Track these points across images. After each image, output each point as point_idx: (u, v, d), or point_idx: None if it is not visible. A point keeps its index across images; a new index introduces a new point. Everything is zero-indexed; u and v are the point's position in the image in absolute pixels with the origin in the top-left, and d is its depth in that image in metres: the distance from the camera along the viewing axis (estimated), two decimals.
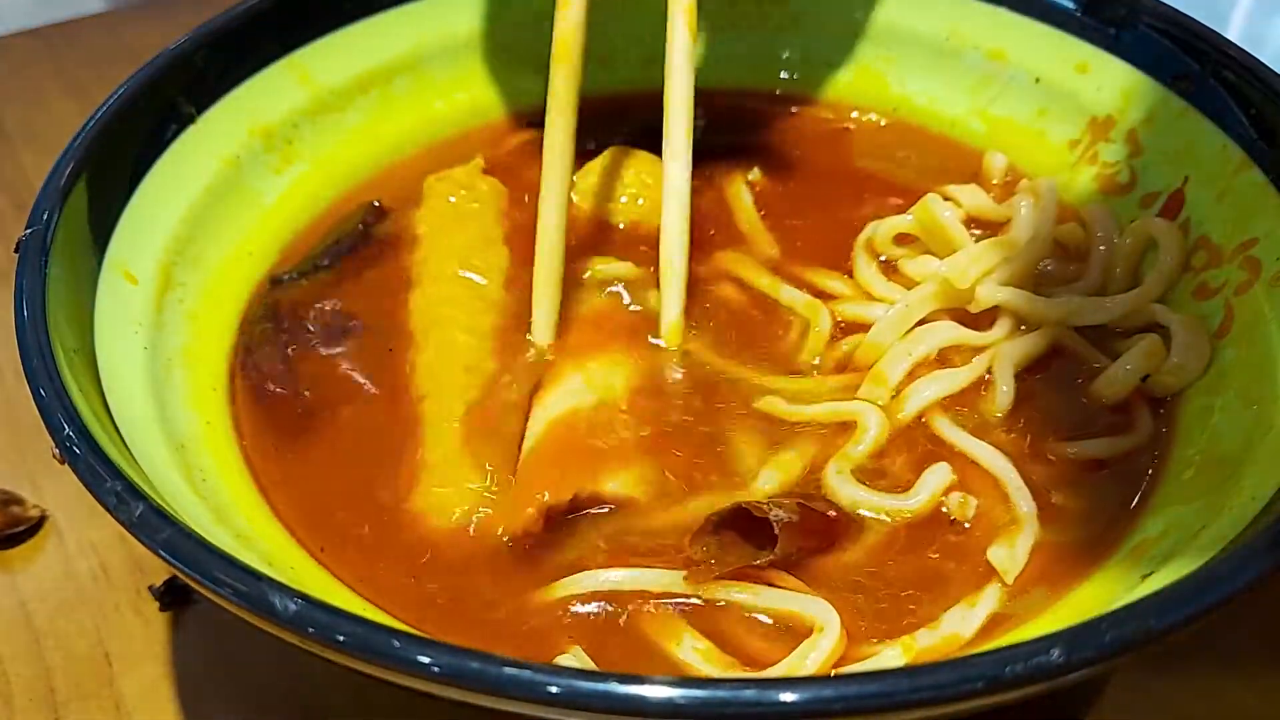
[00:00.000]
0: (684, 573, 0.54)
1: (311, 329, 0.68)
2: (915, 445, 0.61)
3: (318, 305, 0.69)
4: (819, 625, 0.52)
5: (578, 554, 0.56)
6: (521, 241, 0.70)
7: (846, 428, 0.61)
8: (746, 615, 0.54)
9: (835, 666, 0.51)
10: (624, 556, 0.56)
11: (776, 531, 0.53)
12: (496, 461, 0.59)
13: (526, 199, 0.74)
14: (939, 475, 0.59)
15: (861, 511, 0.58)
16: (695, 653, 0.52)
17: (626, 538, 0.57)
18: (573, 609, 0.54)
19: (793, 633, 0.53)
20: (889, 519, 0.58)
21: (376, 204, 0.76)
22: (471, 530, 0.57)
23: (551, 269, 0.66)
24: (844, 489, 0.58)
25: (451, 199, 0.74)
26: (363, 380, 0.65)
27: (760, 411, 0.62)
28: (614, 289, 0.69)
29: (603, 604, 0.54)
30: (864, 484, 0.59)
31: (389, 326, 0.68)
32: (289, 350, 0.67)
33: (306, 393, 0.65)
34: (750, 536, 0.55)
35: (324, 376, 0.66)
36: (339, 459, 0.62)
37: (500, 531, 0.57)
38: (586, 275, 0.69)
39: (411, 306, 0.69)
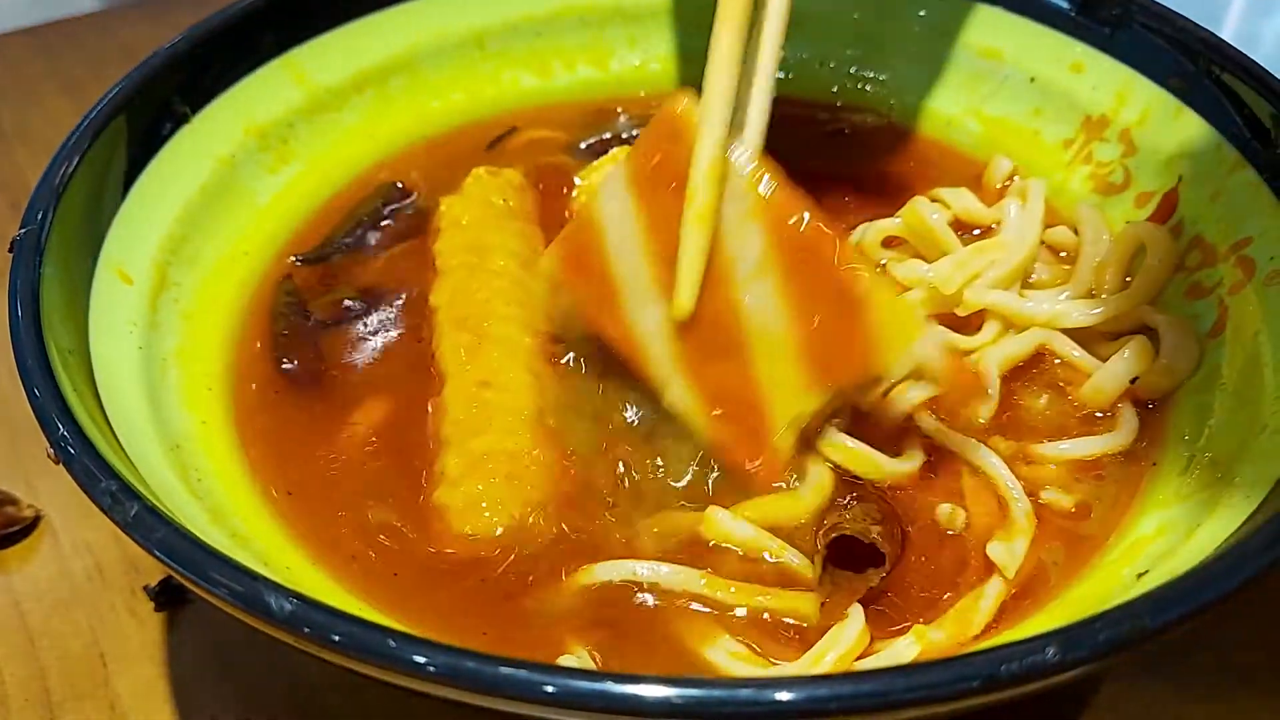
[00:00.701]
0: (702, 575, 0.54)
1: (331, 313, 0.69)
2: (908, 447, 0.61)
3: (339, 290, 0.70)
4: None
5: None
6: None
7: None
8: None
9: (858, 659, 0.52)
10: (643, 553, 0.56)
11: (882, 548, 0.54)
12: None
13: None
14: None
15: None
16: (728, 655, 0.52)
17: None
18: (593, 602, 0.54)
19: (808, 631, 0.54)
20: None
21: (399, 185, 0.77)
22: (499, 525, 0.57)
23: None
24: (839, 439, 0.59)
25: (504, 201, 0.73)
26: (388, 368, 0.66)
27: None
28: None
29: (627, 597, 0.54)
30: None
31: (416, 314, 0.68)
32: (311, 335, 0.67)
33: (331, 375, 0.66)
34: (848, 563, 0.55)
35: (350, 364, 0.66)
36: (361, 449, 0.62)
37: None
38: None
39: (445, 298, 0.67)
